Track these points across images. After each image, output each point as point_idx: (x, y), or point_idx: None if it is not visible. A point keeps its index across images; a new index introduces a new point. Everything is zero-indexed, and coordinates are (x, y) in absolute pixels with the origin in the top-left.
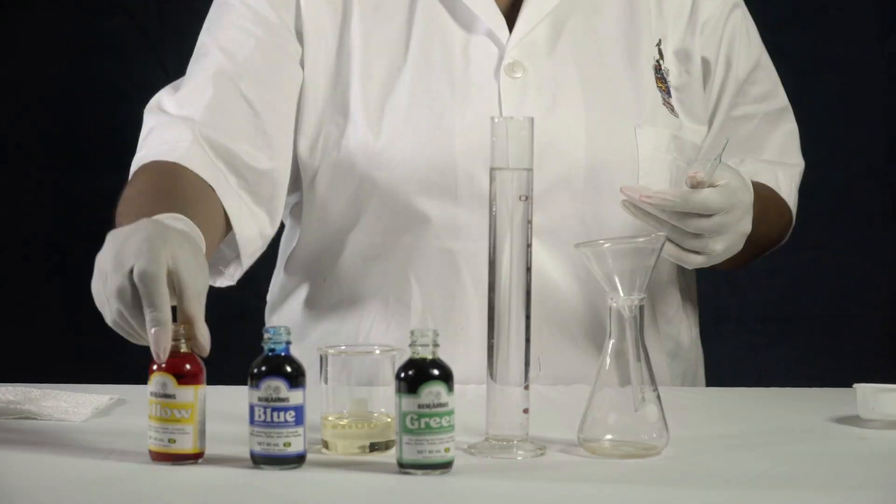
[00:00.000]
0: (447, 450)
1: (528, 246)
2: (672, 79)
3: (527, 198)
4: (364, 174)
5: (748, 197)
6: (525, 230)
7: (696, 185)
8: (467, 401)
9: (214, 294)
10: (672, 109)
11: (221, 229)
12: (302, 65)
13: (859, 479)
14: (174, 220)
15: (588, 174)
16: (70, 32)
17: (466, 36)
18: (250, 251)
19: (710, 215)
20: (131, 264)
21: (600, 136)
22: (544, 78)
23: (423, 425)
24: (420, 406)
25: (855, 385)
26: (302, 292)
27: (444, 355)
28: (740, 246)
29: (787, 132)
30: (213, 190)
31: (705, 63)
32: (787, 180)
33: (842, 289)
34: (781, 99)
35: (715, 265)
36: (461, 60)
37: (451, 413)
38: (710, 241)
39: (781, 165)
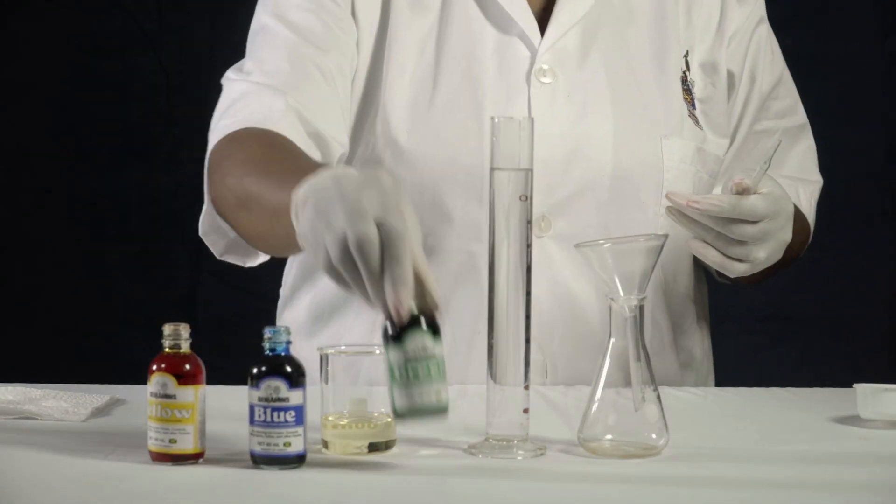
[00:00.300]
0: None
1: (528, 246)
2: (697, 91)
3: (527, 198)
4: (390, 170)
5: (789, 205)
6: (525, 230)
7: (742, 192)
8: (468, 401)
9: (214, 295)
10: (697, 121)
11: None
12: (357, 47)
13: (859, 479)
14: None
15: (613, 182)
16: (70, 32)
17: (499, 37)
18: None
19: (755, 222)
20: (375, 215)
21: (627, 145)
22: (574, 85)
23: (411, 374)
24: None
25: (855, 385)
26: (316, 288)
27: (459, 357)
28: (780, 254)
29: (806, 149)
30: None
31: (730, 76)
32: (807, 196)
33: (842, 289)
34: (801, 115)
35: (739, 279)
36: (493, 62)
37: (439, 361)
38: (754, 249)
39: (801, 182)
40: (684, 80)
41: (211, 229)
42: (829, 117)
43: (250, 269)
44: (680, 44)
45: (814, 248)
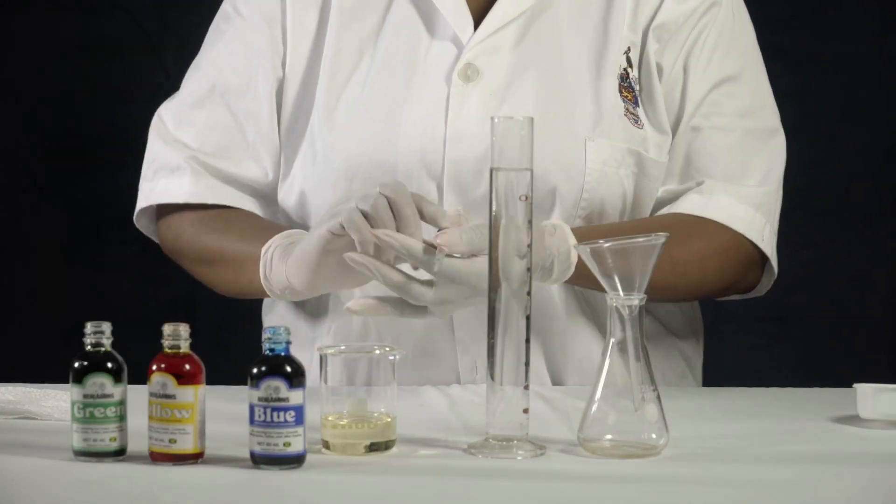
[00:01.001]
0: (112, 439)
1: (528, 246)
2: (639, 87)
3: (527, 198)
4: (322, 169)
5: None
6: (526, 230)
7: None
8: (467, 401)
9: (214, 295)
10: (637, 120)
11: None
12: (283, 64)
13: (859, 479)
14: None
15: None
16: (70, 32)
17: (431, 37)
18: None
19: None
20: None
21: (545, 146)
22: (497, 82)
23: (87, 415)
24: (85, 396)
25: (855, 385)
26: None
27: (425, 354)
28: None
29: (774, 157)
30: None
31: (659, 70)
32: (771, 232)
33: (842, 289)
34: (770, 120)
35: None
36: (422, 61)
37: (117, 404)
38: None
39: (765, 210)
40: (625, 78)
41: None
42: (829, 117)
43: None
44: (622, 41)
45: (814, 248)
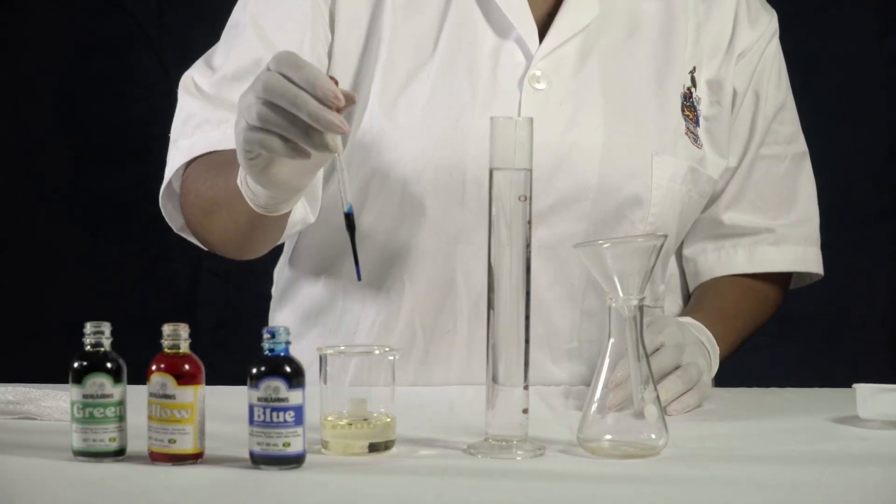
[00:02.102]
0: (112, 439)
1: (528, 246)
2: (703, 108)
3: (526, 198)
4: (374, 167)
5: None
6: (525, 230)
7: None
8: (466, 401)
9: (214, 295)
10: (696, 139)
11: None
12: (330, 54)
13: (859, 479)
14: None
15: (598, 195)
16: (70, 32)
17: (497, 40)
18: (292, 232)
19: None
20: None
21: (615, 159)
22: (567, 93)
23: (87, 415)
24: (84, 396)
25: (855, 385)
26: (304, 289)
27: (428, 356)
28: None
29: (810, 178)
30: None
31: (735, 94)
32: (815, 255)
33: (842, 289)
34: (803, 143)
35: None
36: (487, 64)
37: (116, 404)
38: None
39: (812, 241)
40: (688, 97)
41: (168, 201)
42: (829, 117)
43: (249, 269)
44: (685, 60)
45: None
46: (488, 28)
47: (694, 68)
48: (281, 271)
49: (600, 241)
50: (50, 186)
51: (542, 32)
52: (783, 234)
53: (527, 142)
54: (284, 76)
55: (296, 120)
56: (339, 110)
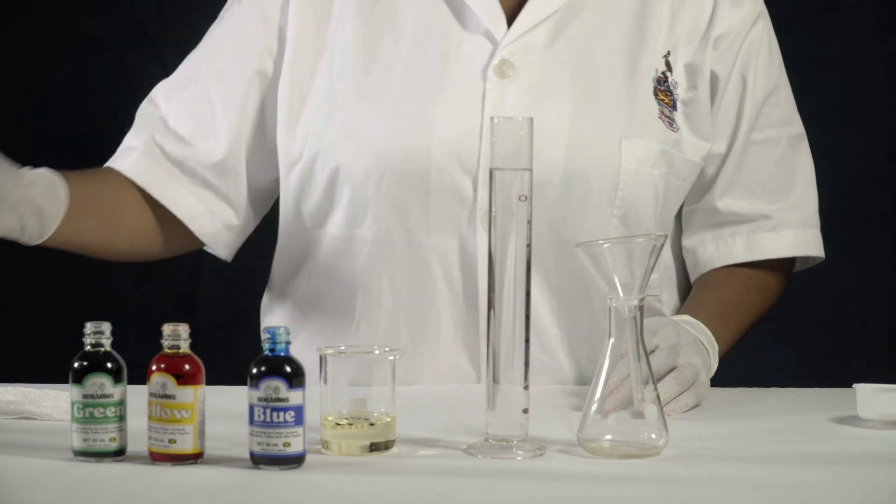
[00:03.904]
0: (112, 439)
1: (528, 246)
2: (681, 92)
3: (526, 198)
4: (341, 162)
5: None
6: (525, 230)
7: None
8: (467, 401)
9: (214, 295)
10: (672, 123)
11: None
12: (279, 62)
13: (859, 479)
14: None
15: (564, 181)
16: (70, 32)
17: (464, 30)
18: (223, 243)
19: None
20: None
21: (582, 144)
22: (533, 80)
23: (87, 415)
24: (85, 396)
25: (855, 385)
26: (286, 293)
27: (414, 352)
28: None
29: (806, 162)
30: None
31: (714, 78)
32: (815, 238)
33: (842, 289)
34: (800, 125)
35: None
36: (454, 56)
37: (116, 404)
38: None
39: (811, 224)
40: (663, 81)
41: None
42: (829, 117)
43: (249, 270)
44: (659, 44)
45: None
46: (455, 20)
47: (668, 52)
48: (273, 273)
49: (600, 241)
50: None
51: (513, 21)
52: (781, 219)
53: (527, 142)
54: None
55: None
56: None
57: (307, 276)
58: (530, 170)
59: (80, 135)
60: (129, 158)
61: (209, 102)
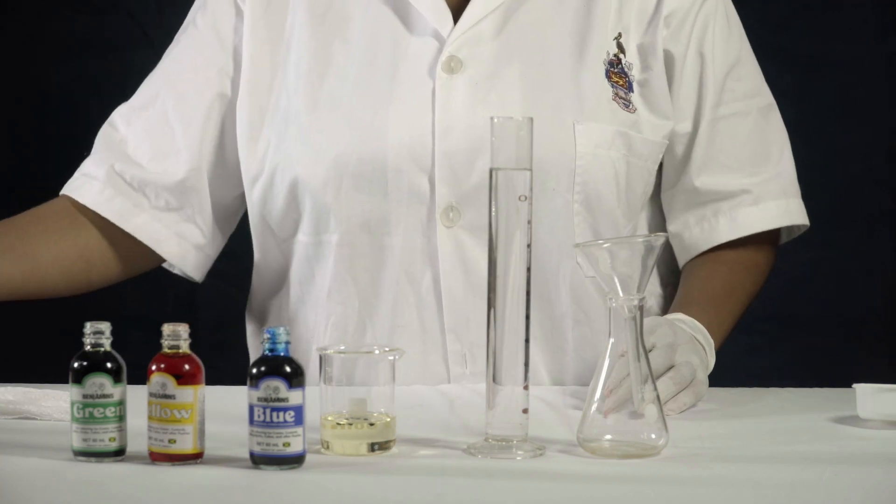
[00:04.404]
0: (112, 439)
1: (528, 246)
2: (635, 73)
3: (526, 198)
4: (299, 172)
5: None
6: (525, 230)
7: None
8: (467, 401)
9: (214, 295)
10: (628, 105)
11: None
12: (236, 81)
13: (859, 479)
14: None
15: None
16: (70, 32)
17: (412, 34)
18: (192, 265)
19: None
20: None
21: (536, 134)
22: (481, 73)
23: (87, 415)
24: (84, 396)
25: (855, 385)
26: (266, 306)
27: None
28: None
29: (778, 131)
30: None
31: (669, 57)
32: (797, 206)
33: (842, 289)
34: (768, 95)
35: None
36: (404, 57)
37: (116, 404)
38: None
39: (792, 192)
40: (616, 63)
41: None
42: (829, 117)
43: (250, 269)
44: (608, 27)
45: (814, 247)
46: (402, 23)
47: (620, 34)
48: (254, 277)
49: (600, 242)
50: (50, 186)
51: (459, 16)
52: (760, 191)
53: (527, 141)
54: None
55: None
56: None
57: (290, 284)
58: (530, 170)
59: (80, 135)
60: (90, 190)
61: (168, 124)
